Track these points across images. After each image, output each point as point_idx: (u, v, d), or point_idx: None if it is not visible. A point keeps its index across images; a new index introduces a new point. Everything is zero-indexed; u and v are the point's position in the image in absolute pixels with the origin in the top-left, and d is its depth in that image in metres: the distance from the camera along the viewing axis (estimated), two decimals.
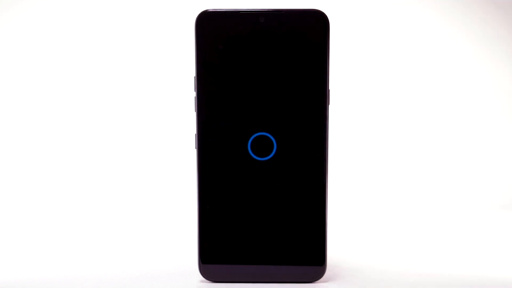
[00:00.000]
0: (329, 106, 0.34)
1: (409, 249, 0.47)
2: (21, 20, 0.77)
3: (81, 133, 0.77)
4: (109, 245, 0.49)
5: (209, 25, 0.33)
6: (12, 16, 0.77)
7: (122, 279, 0.36)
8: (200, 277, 0.35)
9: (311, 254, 0.34)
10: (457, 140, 0.82)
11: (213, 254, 0.34)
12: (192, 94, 0.34)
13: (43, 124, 0.77)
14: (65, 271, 0.38)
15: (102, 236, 0.53)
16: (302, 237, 0.34)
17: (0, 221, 0.62)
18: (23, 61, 0.77)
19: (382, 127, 0.82)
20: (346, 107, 0.78)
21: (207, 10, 0.33)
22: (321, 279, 0.35)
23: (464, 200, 0.78)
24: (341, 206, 0.70)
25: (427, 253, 0.45)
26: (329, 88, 0.34)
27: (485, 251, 0.46)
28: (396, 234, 0.55)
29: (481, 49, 0.84)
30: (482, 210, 0.73)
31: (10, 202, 0.72)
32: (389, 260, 0.42)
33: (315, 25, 0.33)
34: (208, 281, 0.35)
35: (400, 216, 0.68)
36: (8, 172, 0.76)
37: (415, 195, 0.79)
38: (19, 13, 0.77)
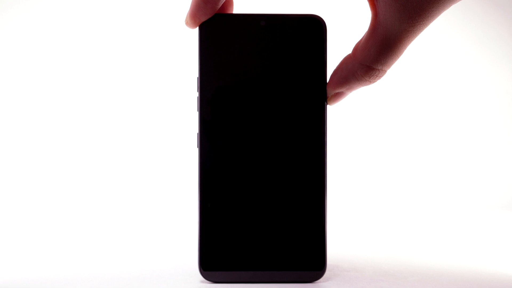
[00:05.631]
0: (327, 109, 0.34)
1: (410, 249, 0.47)
2: (29, 22, 0.77)
3: (83, 133, 0.77)
4: (109, 245, 0.49)
5: (212, 27, 0.34)
6: (19, 16, 0.77)
7: (122, 279, 0.36)
8: (200, 277, 0.35)
9: (311, 259, 0.34)
10: (458, 141, 0.82)
11: (213, 260, 0.34)
12: (195, 94, 0.34)
13: (43, 124, 0.77)
14: (65, 271, 0.38)
15: (102, 236, 0.54)
16: (302, 242, 0.34)
17: (0, 221, 0.62)
18: (25, 63, 0.77)
19: (381, 128, 0.82)
20: (344, 110, 0.78)
21: None
22: (321, 279, 0.35)
23: (465, 200, 0.78)
24: (341, 206, 0.70)
25: (428, 253, 0.45)
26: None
27: (485, 251, 0.46)
28: (397, 234, 0.56)
29: (481, 49, 0.84)
30: (482, 210, 0.73)
31: (10, 202, 0.72)
32: (389, 260, 0.42)
33: (313, 30, 0.34)
34: (208, 281, 0.35)
35: (400, 216, 0.68)
36: (9, 172, 0.76)
37: (415, 196, 0.79)
38: (28, 13, 0.77)
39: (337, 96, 0.34)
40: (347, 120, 0.80)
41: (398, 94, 0.82)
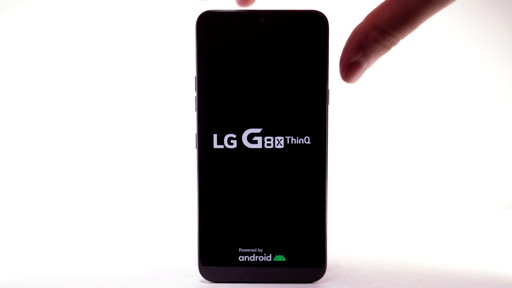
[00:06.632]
0: (329, 106, 0.34)
1: (410, 249, 0.47)
2: (32, 22, 0.77)
3: (82, 133, 0.77)
4: (109, 245, 0.49)
5: (210, 25, 0.33)
6: (19, 16, 0.77)
7: (122, 279, 0.36)
8: (200, 277, 0.35)
9: (311, 256, 0.34)
10: (457, 141, 0.82)
11: (213, 256, 0.34)
12: (193, 94, 0.34)
13: (42, 123, 0.77)
14: (65, 271, 0.38)
15: (102, 236, 0.53)
16: (302, 239, 0.34)
17: (0, 221, 0.62)
18: (25, 62, 0.77)
19: (382, 127, 0.82)
20: (345, 109, 0.78)
21: (208, 10, 0.34)
22: (321, 279, 0.35)
23: (465, 200, 0.78)
24: (341, 206, 0.70)
25: (428, 253, 0.45)
26: (329, 88, 0.34)
27: (485, 251, 0.46)
28: (397, 234, 0.56)
29: (481, 49, 0.84)
30: (482, 210, 0.73)
31: (10, 202, 0.72)
32: (389, 260, 0.42)
33: (315, 26, 0.33)
34: (208, 281, 0.35)
35: (400, 216, 0.68)
36: (8, 172, 0.75)
37: (415, 195, 0.79)
38: (30, 14, 0.77)
39: (353, 68, 0.32)
40: (347, 119, 0.80)
41: (398, 94, 0.82)
